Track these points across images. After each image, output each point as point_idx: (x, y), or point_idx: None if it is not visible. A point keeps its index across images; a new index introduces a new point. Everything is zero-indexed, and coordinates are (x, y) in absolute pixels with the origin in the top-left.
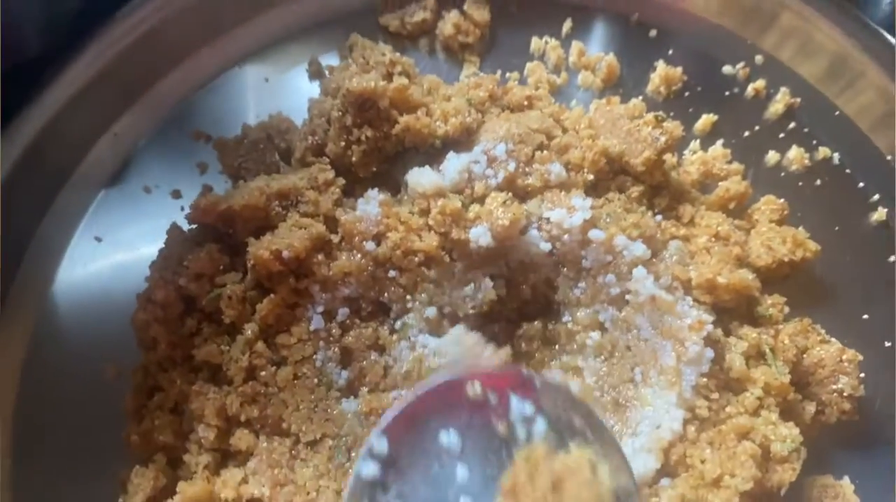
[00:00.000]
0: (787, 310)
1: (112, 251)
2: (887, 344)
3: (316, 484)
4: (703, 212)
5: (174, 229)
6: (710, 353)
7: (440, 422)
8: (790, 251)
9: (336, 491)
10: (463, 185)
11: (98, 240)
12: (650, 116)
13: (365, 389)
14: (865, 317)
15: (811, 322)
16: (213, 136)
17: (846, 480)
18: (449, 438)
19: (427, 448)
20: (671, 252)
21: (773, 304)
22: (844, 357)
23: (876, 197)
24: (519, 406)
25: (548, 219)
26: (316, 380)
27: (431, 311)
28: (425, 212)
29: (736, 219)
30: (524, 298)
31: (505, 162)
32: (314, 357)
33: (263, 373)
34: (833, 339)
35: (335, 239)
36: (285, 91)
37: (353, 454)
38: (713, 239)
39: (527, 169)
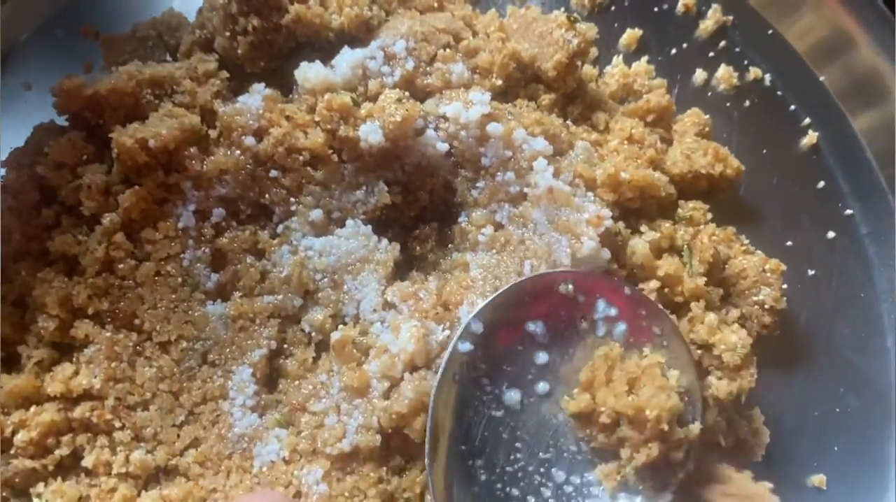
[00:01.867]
0: (709, 216)
1: None
2: (810, 272)
3: (154, 386)
4: (619, 118)
5: (48, 123)
6: (606, 254)
7: (529, 312)
8: (709, 164)
9: (175, 397)
10: (356, 83)
11: None
12: (563, 17)
13: (238, 293)
14: (789, 243)
15: (735, 231)
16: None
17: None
18: (535, 326)
19: (516, 334)
20: (577, 152)
21: (694, 208)
22: (767, 267)
23: (807, 120)
24: (605, 308)
25: (444, 115)
26: (180, 280)
27: (317, 214)
28: (313, 110)
29: (656, 129)
30: (421, 204)
31: (404, 59)
32: (182, 256)
33: (122, 267)
34: (758, 251)
35: (213, 134)
36: None
37: (208, 359)
38: (626, 142)
39: (427, 69)
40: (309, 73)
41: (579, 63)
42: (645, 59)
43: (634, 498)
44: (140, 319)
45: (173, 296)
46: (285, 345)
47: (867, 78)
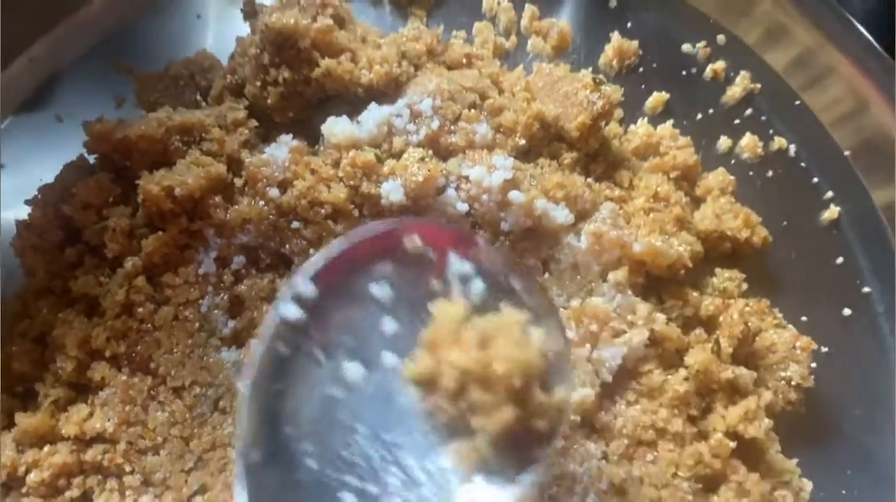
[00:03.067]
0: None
1: (13, 179)
2: (824, 349)
3: (167, 431)
4: (643, 175)
5: (78, 160)
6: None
7: (372, 272)
8: (738, 228)
9: (186, 442)
10: (381, 139)
11: (0, 165)
12: (588, 79)
13: (254, 340)
14: (804, 318)
15: (769, 304)
16: (136, 70)
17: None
18: (380, 289)
19: (356, 297)
20: (604, 215)
21: (729, 278)
22: (798, 344)
23: (829, 194)
24: (458, 264)
25: (466, 177)
26: (198, 325)
27: None
28: (337, 164)
29: (681, 186)
30: None
31: (429, 118)
32: (200, 301)
33: (141, 310)
34: (790, 325)
35: (239, 183)
36: (218, 29)
37: (219, 405)
38: (651, 199)
39: (452, 127)
40: (335, 128)
41: (603, 124)
42: (670, 122)
43: (493, 478)
44: (156, 363)
45: (189, 342)
46: None
47: (888, 152)
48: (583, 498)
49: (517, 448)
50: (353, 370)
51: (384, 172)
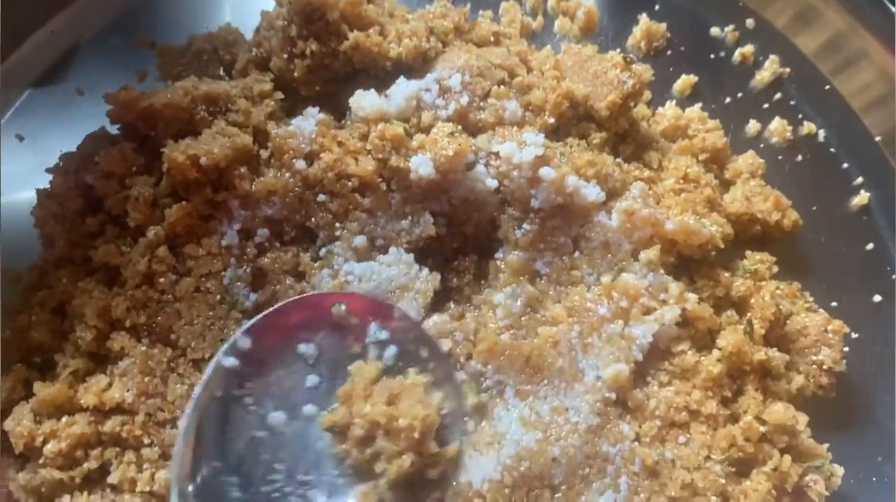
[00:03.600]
0: (774, 270)
1: (33, 151)
2: (854, 335)
3: (185, 404)
4: (672, 156)
5: (100, 131)
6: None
7: (301, 333)
8: (768, 210)
9: None
10: (409, 114)
11: (20, 138)
12: (619, 58)
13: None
14: (834, 304)
15: (800, 287)
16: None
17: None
18: (307, 348)
19: (286, 354)
20: (633, 194)
21: (760, 261)
22: (830, 327)
23: (859, 180)
24: (376, 331)
25: (496, 153)
26: (219, 297)
27: (361, 240)
28: (365, 138)
29: (710, 169)
30: (465, 236)
31: (458, 93)
32: (222, 274)
33: (162, 281)
34: (821, 310)
35: (265, 155)
36: (236, 3)
37: None
38: (681, 181)
39: (481, 104)
40: (363, 101)
41: (632, 104)
42: (699, 105)
43: None
44: (176, 334)
45: (210, 314)
46: None
47: None
48: (615, 479)
49: (412, 492)
50: (276, 417)
51: (413, 146)
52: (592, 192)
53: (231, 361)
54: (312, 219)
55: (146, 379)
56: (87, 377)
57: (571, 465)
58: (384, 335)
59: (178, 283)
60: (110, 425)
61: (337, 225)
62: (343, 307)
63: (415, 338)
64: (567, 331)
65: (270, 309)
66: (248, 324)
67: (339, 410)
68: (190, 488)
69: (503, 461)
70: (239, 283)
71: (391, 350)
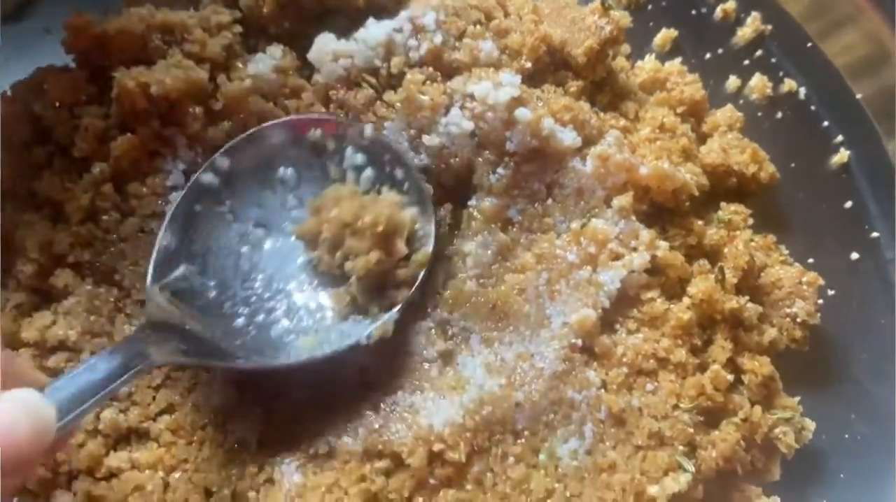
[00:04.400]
0: (750, 222)
1: None
2: (830, 292)
3: None
4: (649, 107)
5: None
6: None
7: (279, 156)
8: (745, 162)
9: None
10: (378, 62)
11: None
12: (597, 4)
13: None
14: (811, 260)
15: (775, 240)
16: None
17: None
18: (285, 172)
19: (265, 176)
20: (609, 141)
21: (735, 212)
22: (804, 279)
23: (840, 138)
24: (352, 155)
25: (471, 95)
26: None
27: None
28: (328, 100)
29: (687, 120)
30: (444, 188)
31: (432, 33)
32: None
33: (106, 219)
34: (796, 263)
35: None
36: None
37: None
38: (657, 130)
39: (456, 44)
40: (326, 46)
41: (610, 52)
42: (678, 60)
43: (362, 320)
44: (120, 275)
45: None
46: None
47: None
48: (580, 426)
49: (382, 291)
50: (256, 233)
51: (382, 114)
52: (568, 137)
53: (210, 177)
54: None
55: (91, 317)
56: (33, 313)
57: (535, 411)
58: (360, 159)
59: (123, 223)
60: (54, 361)
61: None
62: (319, 132)
63: (391, 159)
64: (534, 278)
65: (249, 130)
66: (227, 145)
67: (309, 221)
68: (164, 286)
69: (466, 405)
70: None
71: (367, 173)
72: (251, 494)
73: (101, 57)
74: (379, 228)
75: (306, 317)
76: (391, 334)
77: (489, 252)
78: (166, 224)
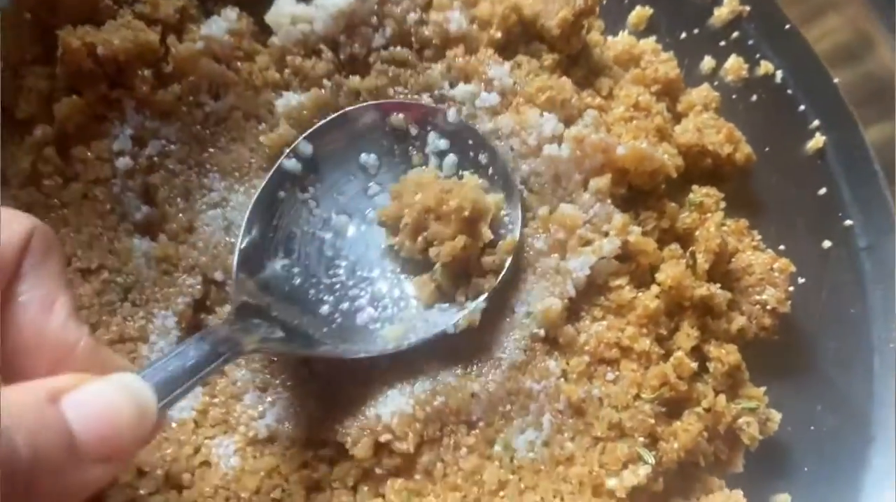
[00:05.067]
0: (722, 205)
1: None
2: (801, 280)
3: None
4: (623, 84)
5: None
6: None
7: (361, 142)
8: (720, 142)
9: (93, 329)
10: (338, 32)
11: None
12: None
13: (164, 236)
14: (781, 247)
15: (748, 225)
16: None
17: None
18: (368, 158)
19: (347, 162)
20: (586, 122)
21: (707, 194)
22: (776, 266)
23: (816, 123)
24: (435, 140)
25: (452, 99)
26: (109, 207)
27: None
28: (283, 66)
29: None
30: None
31: (396, 3)
32: (112, 181)
33: (48, 183)
34: (769, 250)
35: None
36: None
37: (130, 296)
38: (632, 108)
39: (423, 15)
40: (284, 7)
41: (585, 24)
42: (653, 38)
43: (448, 308)
44: (63, 241)
45: (99, 223)
46: (208, 303)
47: (886, 87)
48: (537, 416)
49: (467, 280)
50: (340, 219)
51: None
52: (549, 125)
53: (293, 163)
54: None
55: None
56: None
57: (492, 401)
58: (444, 143)
59: (66, 188)
60: None
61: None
62: (401, 116)
63: (474, 144)
64: None
65: (331, 116)
66: (309, 130)
67: (391, 205)
68: (250, 275)
69: (416, 395)
70: (129, 194)
71: (450, 158)
72: (185, 476)
73: (49, 15)
74: (464, 213)
75: (391, 306)
76: (478, 324)
77: None
78: (250, 210)
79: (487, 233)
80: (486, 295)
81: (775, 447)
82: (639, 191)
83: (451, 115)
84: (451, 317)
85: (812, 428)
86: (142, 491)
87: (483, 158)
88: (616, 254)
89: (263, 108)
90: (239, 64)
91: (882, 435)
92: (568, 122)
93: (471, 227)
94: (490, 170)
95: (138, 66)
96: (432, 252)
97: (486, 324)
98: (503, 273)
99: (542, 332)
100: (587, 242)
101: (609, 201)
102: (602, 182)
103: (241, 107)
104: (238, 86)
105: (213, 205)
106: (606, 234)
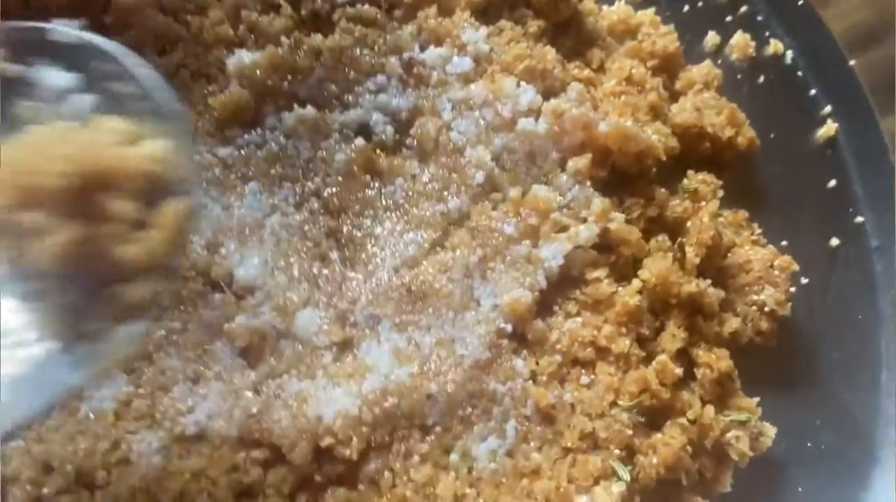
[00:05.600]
0: (720, 194)
1: None
2: (804, 280)
3: None
4: (617, 57)
5: None
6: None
7: None
8: (721, 125)
9: None
10: None
11: None
12: None
13: None
14: (784, 243)
15: (747, 216)
16: None
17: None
18: None
19: None
20: (570, 96)
21: (703, 181)
22: (777, 263)
23: (828, 109)
24: (53, 76)
25: (422, 62)
26: None
27: None
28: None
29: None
30: None
31: None
32: None
33: None
34: (769, 245)
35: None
36: None
37: None
38: (624, 82)
39: None
40: None
41: None
42: (653, 10)
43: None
44: None
45: None
46: None
47: None
48: (501, 422)
49: (105, 292)
50: None
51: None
52: (527, 96)
53: None
54: None
55: None
56: None
57: (450, 404)
58: (65, 79)
59: None
60: None
61: None
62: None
63: (116, 73)
64: (465, 256)
65: None
66: None
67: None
68: None
69: (364, 395)
70: None
71: (84, 99)
72: (100, 474)
73: None
74: (72, 181)
75: None
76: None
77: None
78: None
79: (124, 210)
80: (141, 315)
81: (768, 464)
82: (625, 175)
83: (61, 30)
84: (72, 367)
85: (809, 444)
86: (46, 490)
87: (128, 86)
88: (594, 242)
89: (214, 66)
90: (188, 17)
91: (886, 456)
92: (549, 94)
93: (88, 205)
94: (146, 104)
95: (75, 16)
96: (31, 255)
97: (446, 317)
98: (172, 266)
99: (508, 328)
100: (562, 228)
101: (589, 184)
102: (581, 162)
103: (188, 65)
104: (187, 41)
105: None
106: (584, 221)
